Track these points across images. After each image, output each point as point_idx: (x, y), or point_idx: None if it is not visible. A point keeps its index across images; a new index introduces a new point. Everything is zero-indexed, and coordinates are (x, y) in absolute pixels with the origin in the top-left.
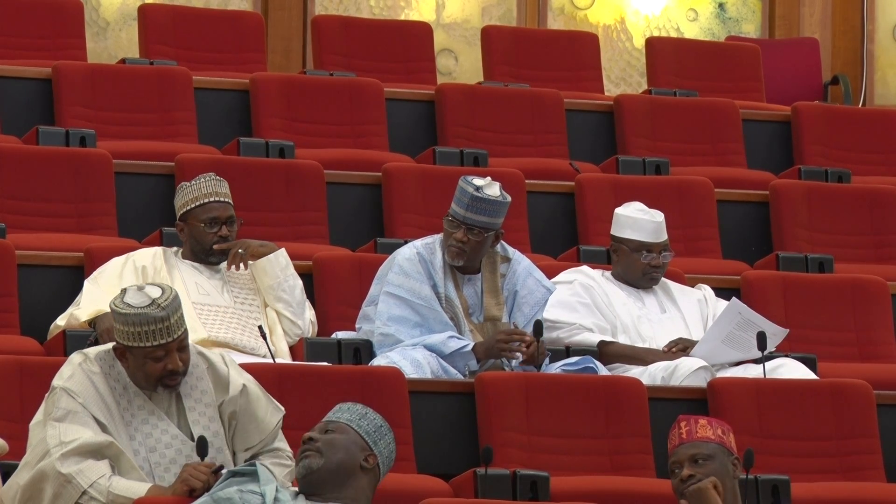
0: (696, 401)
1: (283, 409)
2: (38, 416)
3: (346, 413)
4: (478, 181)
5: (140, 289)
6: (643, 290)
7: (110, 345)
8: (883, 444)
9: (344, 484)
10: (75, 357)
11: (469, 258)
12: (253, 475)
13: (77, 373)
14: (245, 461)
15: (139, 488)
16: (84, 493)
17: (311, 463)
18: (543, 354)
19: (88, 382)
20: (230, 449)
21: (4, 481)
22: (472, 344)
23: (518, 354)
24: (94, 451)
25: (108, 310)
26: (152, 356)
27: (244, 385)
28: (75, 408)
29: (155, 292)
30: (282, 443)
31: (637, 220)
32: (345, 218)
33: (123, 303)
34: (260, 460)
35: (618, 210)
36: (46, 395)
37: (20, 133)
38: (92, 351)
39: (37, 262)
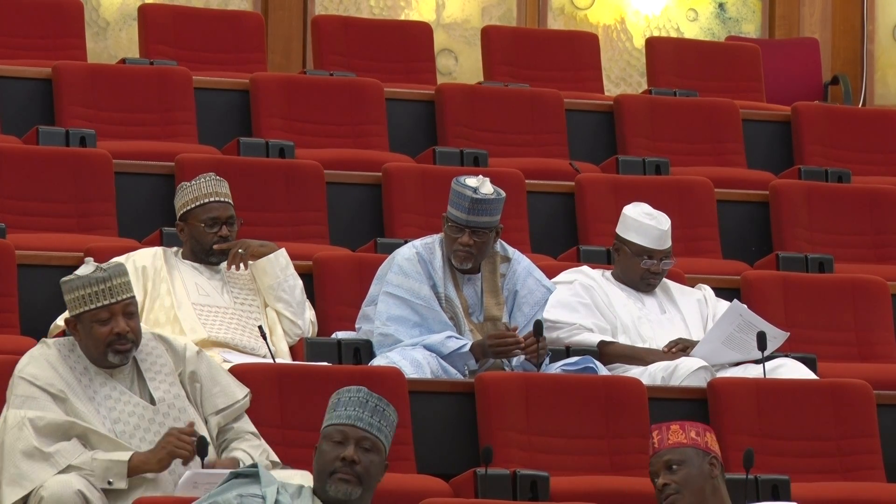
0: (696, 401)
1: (247, 388)
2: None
3: (381, 421)
4: (471, 182)
5: (89, 262)
6: (643, 291)
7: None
8: (883, 444)
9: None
10: (34, 348)
11: (476, 260)
12: (254, 477)
13: (34, 358)
14: (218, 426)
15: (123, 455)
16: (66, 469)
17: (350, 491)
18: (544, 354)
19: (45, 364)
20: (201, 415)
21: None
22: (469, 343)
23: (516, 351)
24: (62, 432)
25: None
26: (97, 318)
27: (199, 350)
28: (32, 393)
29: (102, 263)
30: (247, 424)
31: (643, 224)
32: (345, 218)
33: (72, 275)
34: (232, 447)
35: (626, 209)
36: None
37: (20, 133)
38: (51, 339)
39: (37, 262)
